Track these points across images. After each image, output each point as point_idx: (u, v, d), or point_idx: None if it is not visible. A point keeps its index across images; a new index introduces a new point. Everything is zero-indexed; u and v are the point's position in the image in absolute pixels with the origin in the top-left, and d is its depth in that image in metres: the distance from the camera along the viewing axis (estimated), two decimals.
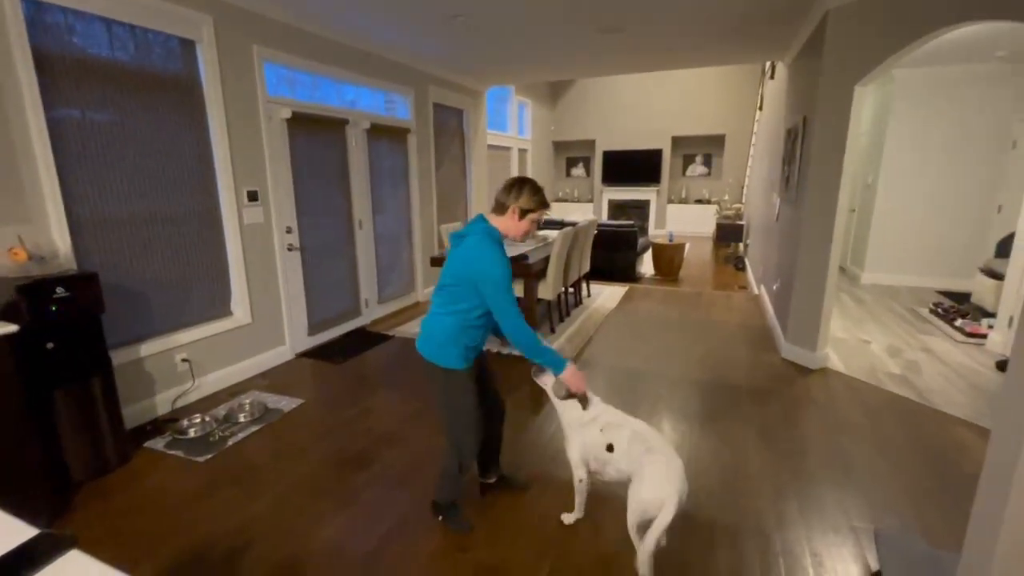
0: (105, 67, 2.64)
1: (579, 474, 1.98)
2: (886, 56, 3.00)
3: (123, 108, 2.74)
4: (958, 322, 4.43)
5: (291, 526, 2.08)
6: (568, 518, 2.07)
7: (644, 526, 1.66)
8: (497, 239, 1.82)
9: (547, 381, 1.98)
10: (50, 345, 2.19)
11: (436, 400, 1.95)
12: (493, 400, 2.11)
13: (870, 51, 3.07)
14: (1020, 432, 1.10)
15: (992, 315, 4.36)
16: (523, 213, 1.82)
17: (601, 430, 1.88)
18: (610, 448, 1.82)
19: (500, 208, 1.85)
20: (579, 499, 2.04)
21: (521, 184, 1.83)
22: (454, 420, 1.92)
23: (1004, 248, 5.14)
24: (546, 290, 4.34)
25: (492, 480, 2.28)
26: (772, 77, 6.69)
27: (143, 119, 2.83)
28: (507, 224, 1.84)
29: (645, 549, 1.62)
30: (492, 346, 4.12)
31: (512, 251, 4.11)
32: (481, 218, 1.85)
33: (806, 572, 1.83)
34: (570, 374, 1.86)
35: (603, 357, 3.92)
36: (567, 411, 1.98)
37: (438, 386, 1.90)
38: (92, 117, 2.61)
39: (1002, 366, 3.58)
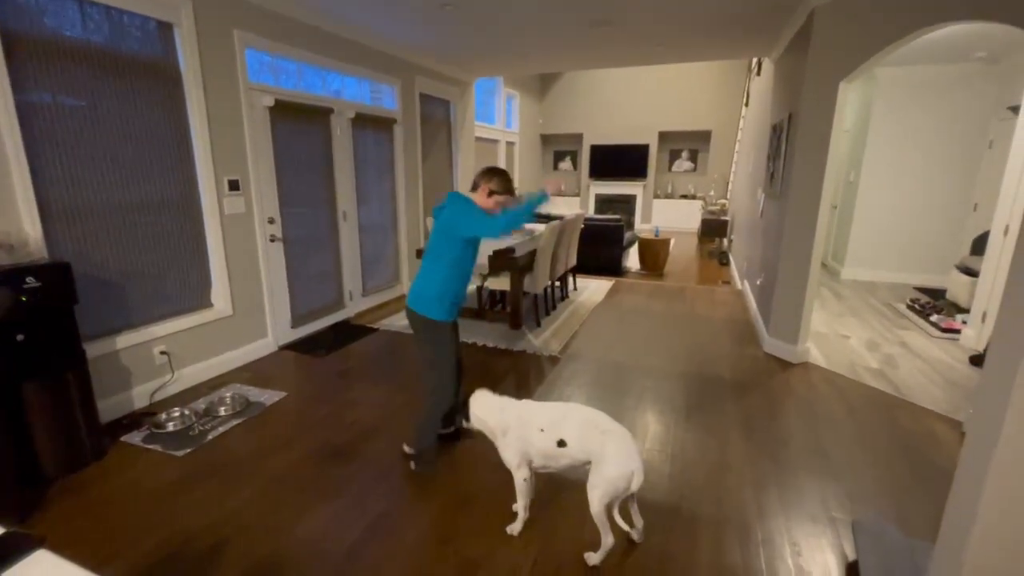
0: (78, 49, 2.54)
1: (522, 475, 1.94)
2: (871, 54, 3.04)
3: (97, 92, 2.64)
4: (933, 318, 4.54)
5: (273, 520, 2.05)
6: (514, 528, 1.98)
7: (613, 504, 1.76)
8: (472, 202, 2.23)
9: (473, 420, 2.04)
10: (20, 337, 2.11)
11: (423, 351, 2.35)
12: (458, 357, 2.48)
13: (855, 49, 3.11)
14: (996, 423, 1.12)
15: (966, 311, 4.47)
16: (491, 193, 2.24)
17: (542, 430, 1.87)
18: (562, 443, 1.83)
19: (474, 186, 2.28)
20: (523, 501, 1.98)
21: (495, 171, 2.27)
22: (441, 367, 2.31)
23: (979, 246, 5.27)
24: (532, 284, 4.33)
25: (451, 431, 2.62)
26: (759, 74, 6.74)
27: (119, 104, 2.74)
28: (479, 200, 2.25)
29: (636, 520, 1.85)
30: (480, 339, 4.11)
31: (499, 245, 4.09)
32: (456, 192, 2.27)
33: (785, 562, 1.86)
34: (549, 185, 2.31)
35: (589, 350, 3.94)
36: (493, 426, 1.98)
37: (426, 336, 2.29)
38: (64, 101, 2.52)
39: (975, 360, 3.68)
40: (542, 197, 2.16)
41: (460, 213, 2.16)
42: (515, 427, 1.93)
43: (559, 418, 1.87)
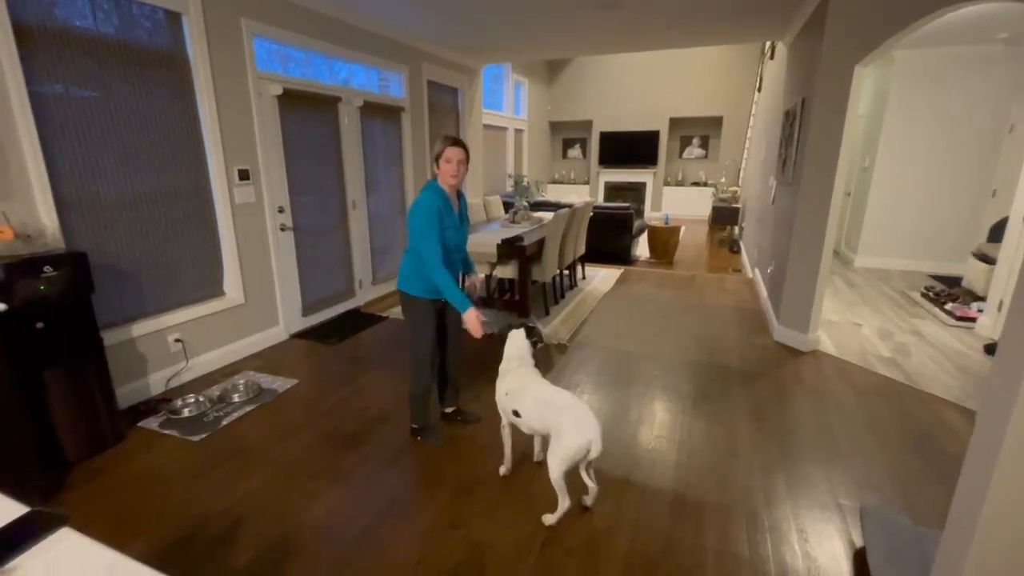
0: (88, 40, 2.56)
1: (503, 421, 2.23)
2: (888, 35, 2.96)
3: (108, 83, 2.67)
4: (948, 306, 4.47)
5: (286, 504, 2.10)
6: (501, 468, 2.28)
7: (570, 471, 1.92)
8: (435, 190, 2.23)
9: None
10: (39, 325, 2.17)
11: (407, 326, 2.44)
12: (449, 341, 2.56)
13: (872, 30, 3.03)
14: (1006, 412, 1.11)
15: (982, 299, 4.40)
16: (437, 157, 2.22)
17: (507, 394, 2.14)
18: (516, 413, 2.10)
19: (436, 158, 2.25)
20: (505, 446, 2.26)
21: (439, 139, 2.25)
22: (415, 342, 2.39)
23: (997, 233, 5.16)
24: (541, 272, 4.33)
25: (450, 410, 2.71)
26: (772, 58, 6.60)
27: (130, 95, 2.76)
28: (439, 174, 2.25)
29: (590, 485, 2.00)
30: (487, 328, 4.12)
31: (507, 233, 4.08)
32: (432, 181, 2.28)
33: (792, 548, 1.87)
34: (470, 316, 2.20)
35: (597, 339, 3.94)
36: (503, 363, 2.27)
37: (407, 312, 2.38)
38: (76, 92, 2.54)
39: (990, 349, 3.63)
40: (461, 308, 2.20)
41: (414, 223, 2.20)
42: (507, 377, 2.18)
43: (518, 391, 2.11)
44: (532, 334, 2.28)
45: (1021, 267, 1.14)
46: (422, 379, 2.43)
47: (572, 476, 2.00)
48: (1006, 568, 1.18)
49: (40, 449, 2.16)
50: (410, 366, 2.45)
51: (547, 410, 1.97)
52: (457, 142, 2.21)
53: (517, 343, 2.25)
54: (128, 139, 2.79)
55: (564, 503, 1.94)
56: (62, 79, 2.48)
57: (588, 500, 2.06)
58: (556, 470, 1.90)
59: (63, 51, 2.47)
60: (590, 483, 2.02)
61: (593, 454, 1.87)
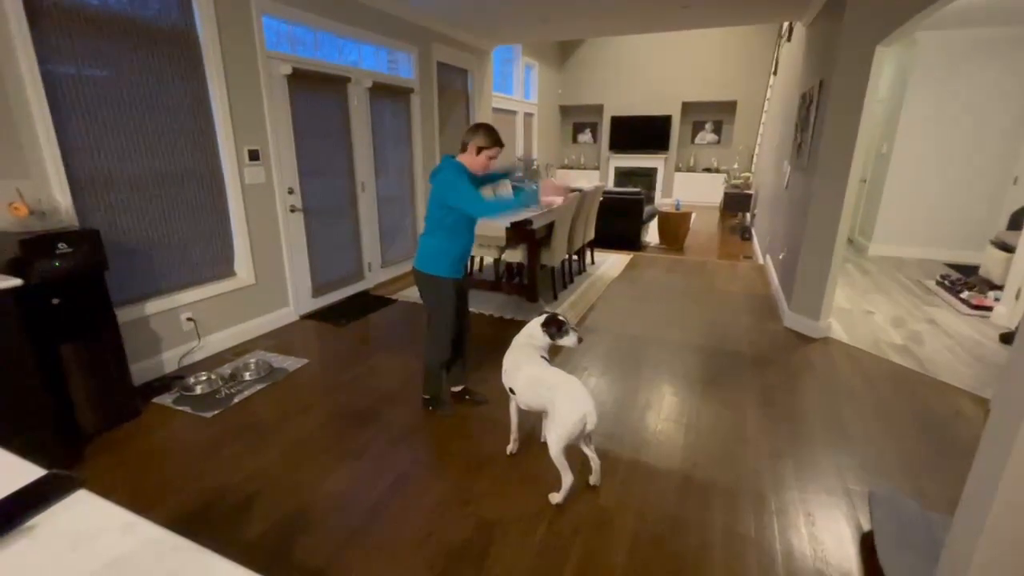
0: (100, 18, 2.55)
1: (511, 400, 2.27)
2: (912, 14, 2.86)
3: (120, 62, 2.66)
4: (964, 294, 4.40)
5: (297, 479, 2.13)
6: (509, 447, 2.31)
7: (570, 446, 1.94)
8: (463, 171, 2.28)
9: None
10: (55, 300, 2.20)
11: (425, 304, 2.46)
12: (463, 318, 2.62)
13: (896, 8, 2.93)
14: (1023, 399, 1.09)
15: (999, 288, 4.32)
16: (479, 150, 2.28)
17: (504, 371, 2.22)
18: (511, 391, 2.18)
19: (463, 147, 2.32)
20: (512, 425, 2.29)
21: (478, 127, 2.29)
22: (438, 320, 2.45)
23: (1017, 220, 5.05)
24: (550, 256, 4.31)
25: (458, 389, 2.76)
26: (789, 40, 6.44)
27: (141, 74, 2.76)
28: (469, 160, 2.31)
29: (591, 457, 2.02)
30: (496, 312, 4.13)
31: (516, 217, 4.05)
32: (450, 156, 2.31)
33: (799, 531, 1.87)
34: (547, 187, 2.24)
35: (606, 323, 3.93)
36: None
37: (429, 292, 2.42)
38: (88, 71, 2.54)
39: (1006, 338, 3.57)
40: (533, 198, 2.22)
41: (450, 186, 2.20)
42: (508, 356, 2.22)
43: (513, 369, 2.16)
44: (551, 325, 2.19)
45: None
46: (443, 353, 2.52)
47: (575, 453, 2.02)
48: (1017, 553, 1.17)
49: (57, 421, 2.20)
50: (430, 340, 2.51)
51: (539, 388, 2.02)
52: (501, 142, 2.32)
53: (531, 329, 2.25)
54: (139, 118, 2.79)
55: (567, 479, 1.96)
56: (74, 58, 2.48)
57: (593, 478, 2.08)
58: (555, 446, 1.93)
59: (75, 29, 2.46)
60: (592, 456, 2.04)
61: (590, 426, 1.90)
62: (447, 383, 2.73)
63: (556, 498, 1.98)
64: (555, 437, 1.92)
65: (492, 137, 2.28)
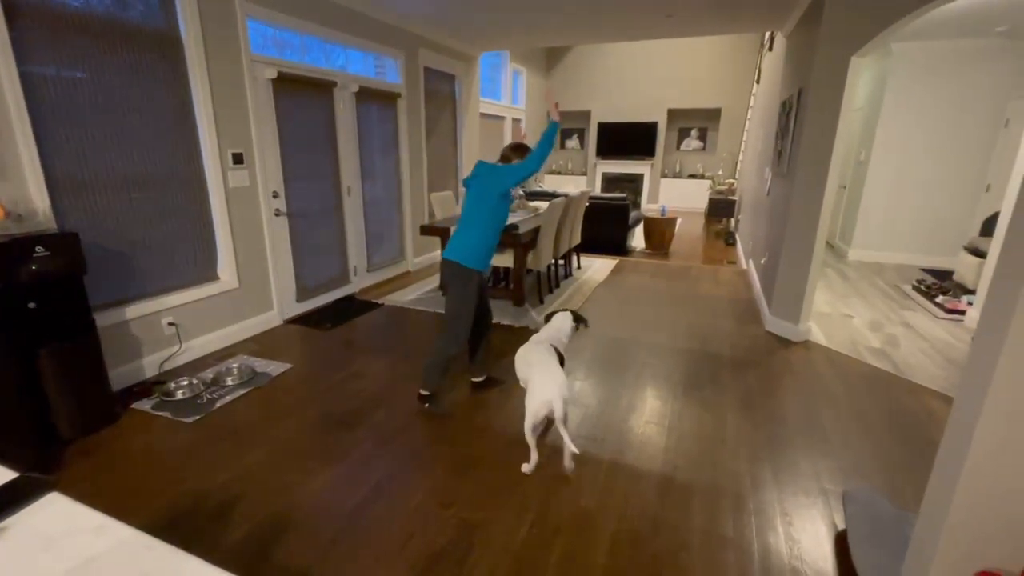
0: (80, 19, 2.53)
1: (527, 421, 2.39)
2: (885, 26, 2.96)
3: (101, 64, 2.64)
4: (939, 299, 4.51)
5: (280, 482, 2.12)
6: (525, 467, 2.28)
7: (538, 427, 2.15)
8: None
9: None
10: (32, 305, 2.17)
11: (452, 296, 2.58)
12: (484, 310, 2.81)
13: (869, 21, 3.02)
14: (980, 395, 1.14)
15: (972, 292, 4.44)
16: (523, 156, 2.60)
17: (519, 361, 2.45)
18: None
19: (505, 160, 2.65)
20: (529, 440, 2.32)
21: (521, 147, 2.67)
22: (461, 312, 2.57)
23: (989, 227, 5.20)
24: (536, 261, 4.34)
25: (481, 379, 2.93)
26: (771, 49, 6.58)
27: (122, 76, 2.74)
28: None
29: (566, 440, 2.05)
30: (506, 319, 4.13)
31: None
32: (483, 160, 2.60)
33: (776, 531, 1.91)
34: (551, 104, 2.65)
35: (591, 327, 3.96)
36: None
37: (460, 283, 2.55)
38: (68, 73, 2.52)
39: None
40: (554, 125, 2.49)
41: (498, 173, 2.52)
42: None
43: (520, 350, 2.44)
44: (577, 320, 2.66)
45: (998, 258, 1.16)
46: (458, 344, 2.61)
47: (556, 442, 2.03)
48: (977, 548, 1.21)
49: (34, 426, 2.17)
50: (445, 333, 2.59)
51: (522, 365, 2.33)
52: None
53: (559, 323, 2.59)
54: (121, 120, 2.77)
55: (533, 456, 2.17)
56: (53, 59, 2.45)
57: (566, 463, 2.19)
58: (525, 421, 2.12)
59: (55, 30, 2.44)
60: (567, 441, 2.03)
61: (557, 413, 2.02)
62: (470, 374, 2.95)
63: (526, 468, 2.18)
64: (525, 415, 2.10)
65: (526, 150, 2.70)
